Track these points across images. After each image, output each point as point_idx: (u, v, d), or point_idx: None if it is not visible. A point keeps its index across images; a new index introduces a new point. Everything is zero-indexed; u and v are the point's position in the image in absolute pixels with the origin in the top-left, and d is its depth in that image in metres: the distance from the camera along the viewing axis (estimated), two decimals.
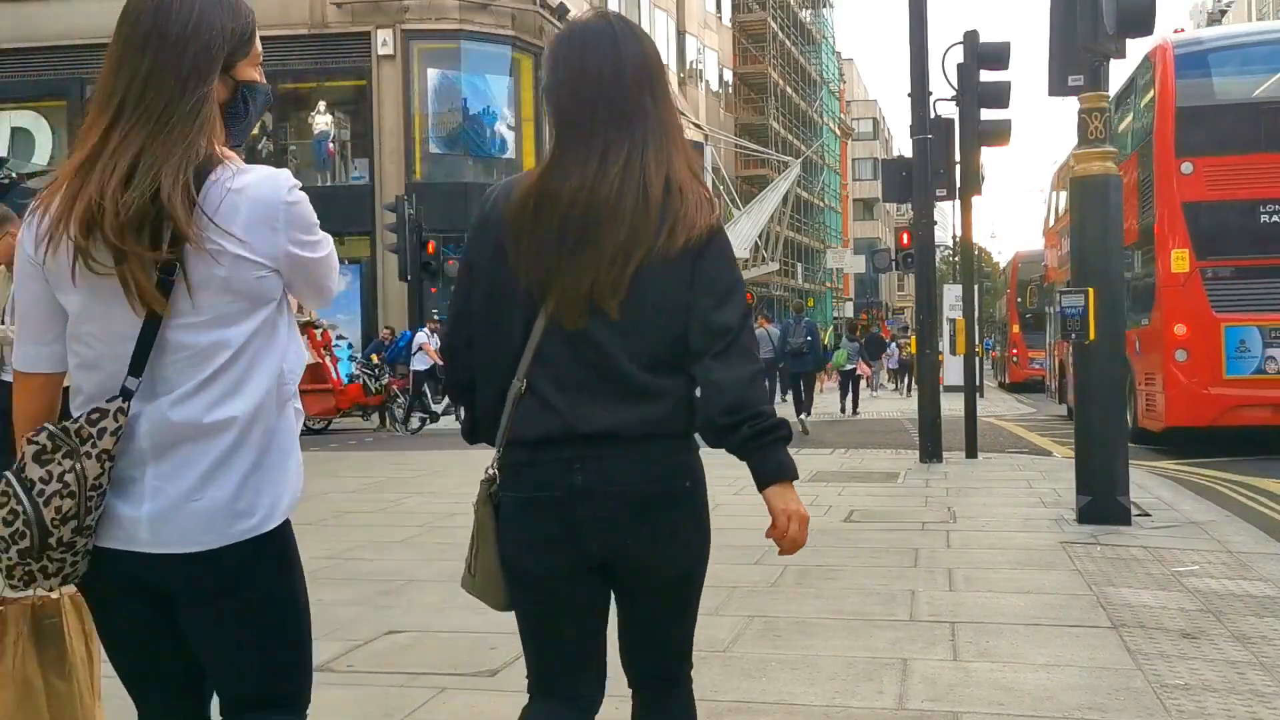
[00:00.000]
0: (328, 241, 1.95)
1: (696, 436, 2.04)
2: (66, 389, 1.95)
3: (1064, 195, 15.90)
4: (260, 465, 1.85)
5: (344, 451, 14.95)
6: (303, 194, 1.88)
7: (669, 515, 2.00)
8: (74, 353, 1.87)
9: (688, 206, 1.96)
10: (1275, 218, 10.64)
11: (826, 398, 23.21)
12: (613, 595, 2.10)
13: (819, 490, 8.93)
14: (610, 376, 1.95)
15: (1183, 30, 11.99)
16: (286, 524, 1.92)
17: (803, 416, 16.26)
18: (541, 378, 1.98)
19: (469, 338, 2.07)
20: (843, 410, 21.08)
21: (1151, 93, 11.37)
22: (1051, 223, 19.28)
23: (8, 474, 1.80)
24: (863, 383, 23.57)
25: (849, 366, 21.94)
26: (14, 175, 12.69)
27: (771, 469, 1.97)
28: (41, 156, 26.36)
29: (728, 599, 5.15)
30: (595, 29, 2.06)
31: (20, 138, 27.53)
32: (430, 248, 20.18)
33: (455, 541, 6.97)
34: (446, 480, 10.42)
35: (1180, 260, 10.83)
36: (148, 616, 1.88)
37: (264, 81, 1.99)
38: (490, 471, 2.06)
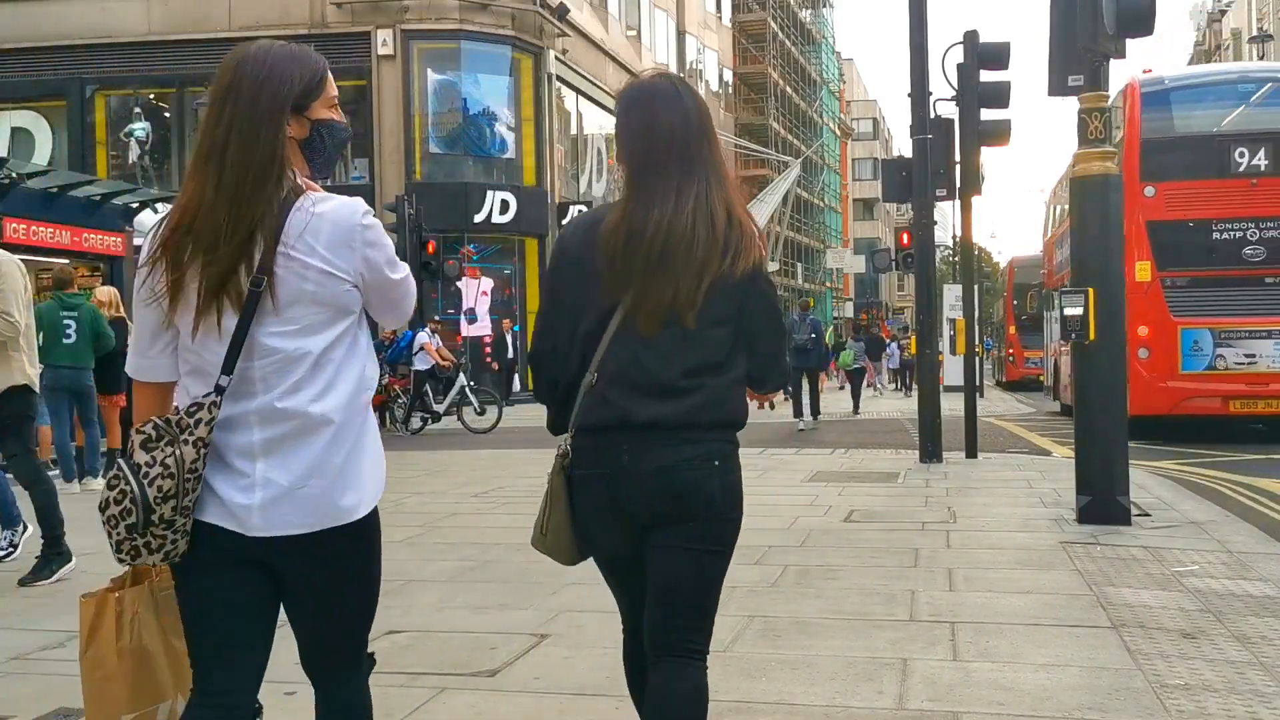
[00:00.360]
0: (405, 267, 2.28)
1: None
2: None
3: (1060, 208, 17.81)
4: (353, 460, 2.15)
5: None
6: (376, 220, 2.18)
7: (699, 489, 2.37)
8: (184, 361, 2.18)
9: (746, 239, 2.40)
10: (1226, 235, 12.37)
11: (830, 396, 23.56)
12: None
13: (819, 490, 8.92)
14: (660, 377, 2.36)
15: (1151, 70, 13.88)
16: (375, 512, 2.22)
17: (807, 418, 16.42)
18: (606, 376, 2.38)
19: (554, 345, 2.48)
20: (854, 409, 21.36)
21: (1120, 124, 12.92)
22: (1049, 234, 21.07)
23: (119, 460, 2.15)
24: (863, 382, 24.01)
25: (856, 366, 22.53)
26: (14, 175, 12.71)
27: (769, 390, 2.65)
28: (41, 156, 26.35)
29: (728, 599, 5.12)
30: (662, 87, 2.50)
31: (20, 138, 27.52)
32: (430, 248, 20.18)
33: (455, 541, 6.99)
34: (446, 480, 10.43)
35: (1143, 271, 12.41)
36: (242, 592, 2.19)
37: (341, 120, 2.27)
38: (564, 448, 2.46)
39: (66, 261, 14.18)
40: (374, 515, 2.22)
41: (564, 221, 27.97)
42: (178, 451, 2.07)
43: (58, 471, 10.42)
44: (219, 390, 2.11)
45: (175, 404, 2.17)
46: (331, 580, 2.22)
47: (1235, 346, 12.30)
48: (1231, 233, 12.36)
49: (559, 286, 2.50)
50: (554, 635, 4.54)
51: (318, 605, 2.26)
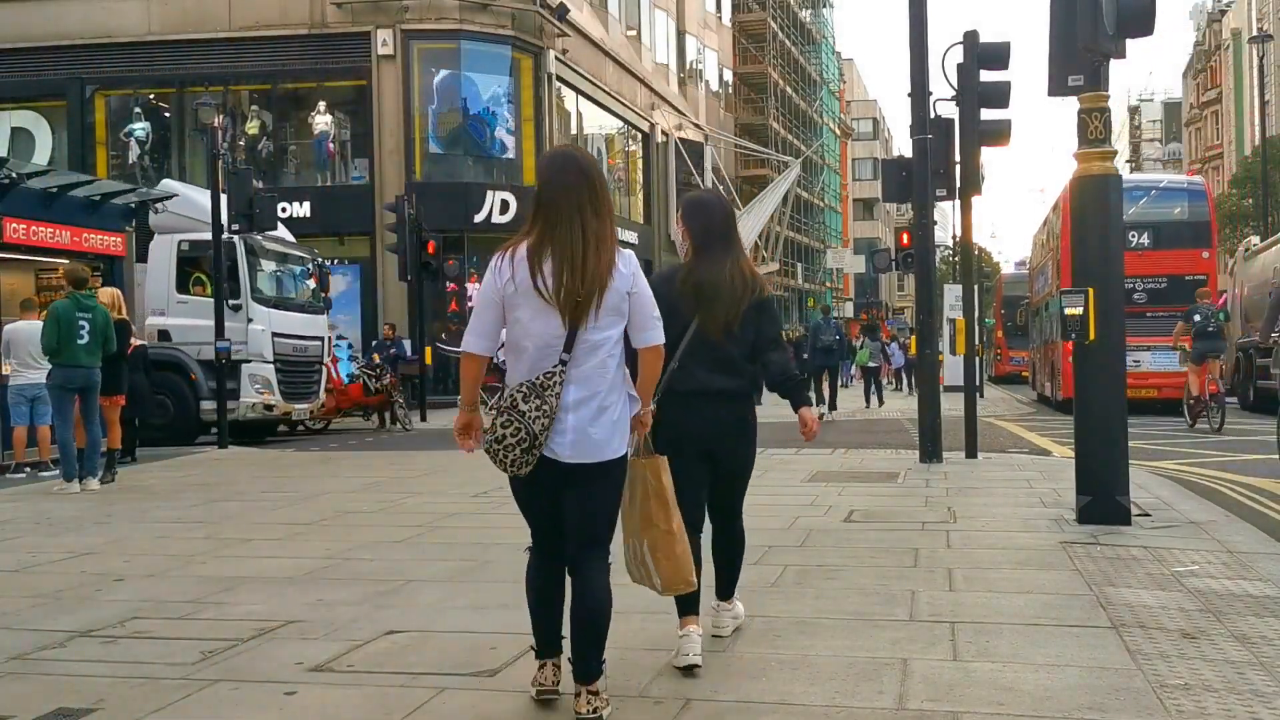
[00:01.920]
0: (650, 295, 3.53)
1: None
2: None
3: (1042, 239, 24.52)
4: (618, 416, 3.48)
5: (344, 451, 14.96)
6: (635, 260, 3.53)
7: (744, 428, 4.27)
8: (514, 343, 3.45)
9: (758, 284, 4.23)
10: (1131, 285, 17.29)
11: (842, 394, 24.60)
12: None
13: (819, 490, 8.92)
14: (723, 363, 4.15)
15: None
16: (625, 453, 3.52)
17: (823, 408, 17.61)
18: (689, 362, 4.11)
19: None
20: (867, 405, 22.93)
21: (1063, 210, 18.20)
22: (1033, 263, 27.95)
23: (507, 409, 3.37)
24: (878, 379, 25.48)
25: (872, 364, 24.35)
26: (14, 175, 12.68)
27: (801, 400, 4.35)
28: (41, 156, 26.34)
29: None
30: (712, 199, 4.48)
31: (20, 138, 27.51)
32: (430, 248, 20.16)
33: (455, 542, 6.99)
34: (447, 480, 10.43)
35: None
36: (550, 491, 3.47)
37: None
38: (652, 406, 3.75)
39: (66, 261, 14.20)
40: (625, 454, 3.53)
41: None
42: (544, 404, 3.35)
43: (58, 471, 10.43)
44: (562, 364, 3.37)
45: (514, 376, 3.45)
46: (601, 488, 3.49)
47: (1127, 355, 16.59)
48: (1128, 284, 18.21)
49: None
50: None
51: (585, 506, 3.47)
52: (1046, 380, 22.51)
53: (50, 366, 10.09)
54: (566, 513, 3.46)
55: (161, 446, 14.35)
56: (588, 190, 3.42)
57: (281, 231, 17.85)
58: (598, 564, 3.46)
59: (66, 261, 14.16)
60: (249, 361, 16.05)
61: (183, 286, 16.33)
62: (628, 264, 3.43)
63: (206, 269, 15.97)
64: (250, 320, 16.11)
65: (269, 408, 16.38)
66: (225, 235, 15.29)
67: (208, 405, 15.85)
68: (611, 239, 3.41)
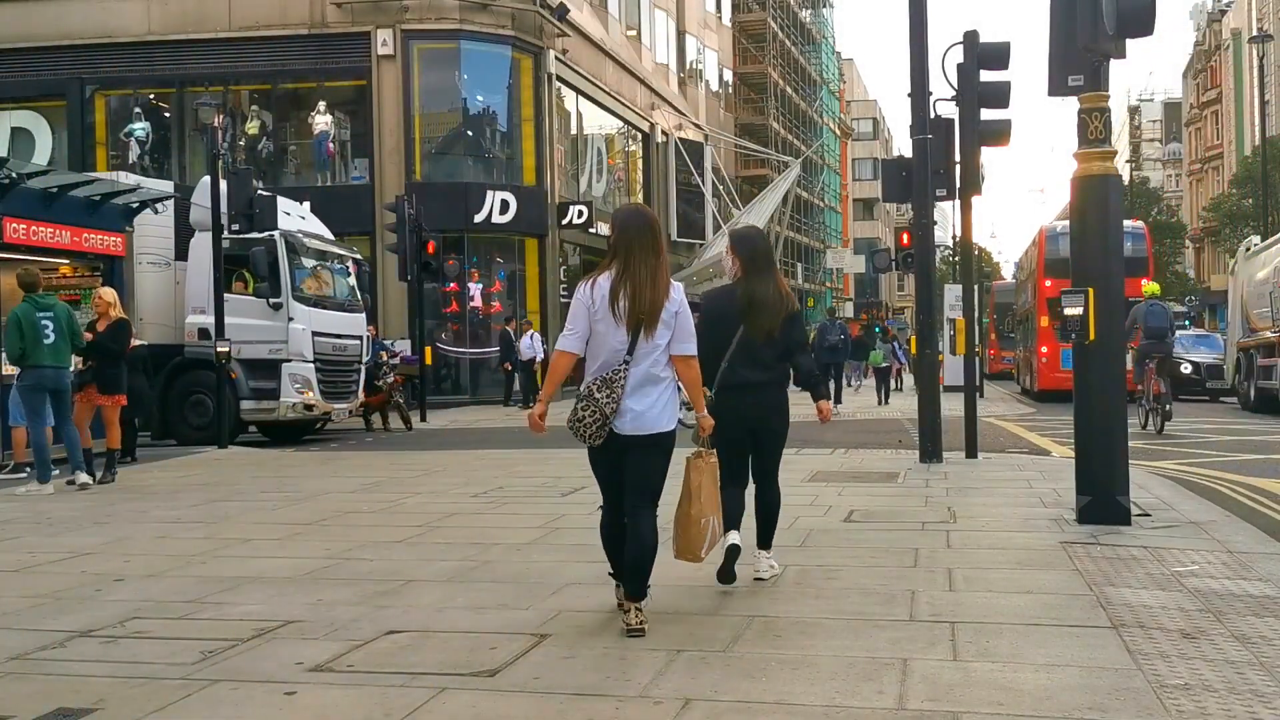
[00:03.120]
0: (689, 316, 4.72)
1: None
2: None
3: (1022, 264, 32.21)
4: (665, 401, 4.61)
5: (344, 451, 14.96)
6: (682, 290, 4.71)
7: (779, 411, 5.49)
8: (592, 348, 4.61)
9: (790, 301, 5.44)
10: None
11: (853, 395, 26.28)
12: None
13: (819, 490, 8.92)
14: (760, 363, 5.35)
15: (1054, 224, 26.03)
16: (672, 429, 4.63)
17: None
18: (735, 363, 5.31)
19: (704, 354, 4.91)
20: (879, 402, 24.45)
21: (1036, 248, 25.86)
22: (1020, 278, 33.17)
23: (586, 397, 4.52)
24: (890, 377, 27.14)
25: (884, 364, 26.16)
26: (14, 175, 12.68)
27: (820, 394, 5.70)
28: (41, 156, 26.32)
29: (728, 599, 5.15)
30: (756, 232, 6.31)
31: (20, 138, 27.50)
32: (430, 248, 20.14)
33: (455, 541, 6.99)
34: (446, 480, 10.43)
35: (1044, 320, 22.64)
36: (615, 457, 4.62)
37: None
38: (710, 394, 5.06)
39: (66, 261, 14.19)
40: (672, 431, 4.65)
41: (564, 221, 28.40)
42: (613, 392, 4.51)
43: (30, 474, 10.39)
44: (625, 363, 4.54)
45: (590, 371, 4.61)
46: (654, 455, 4.63)
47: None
48: None
49: (707, 329, 5.34)
50: (554, 635, 4.54)
51: (640, 468, 4.62)
52: (1027, 375, 27.97)
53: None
54: (626, 474, 4.64)
55: (201, 446, 14.39)
56: (652, 238, 4.66)
57: (321, 229, 17.82)
58: (647, 514, 4.62)
59: (66, 261, 14.21)
60: (289, 361, 15.94)
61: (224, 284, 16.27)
62: (677, 292, 4.67)
63: (247, 267, 15.92)
64: (291, 319, 15.99)
65: (309, 407, 16.29)
66: (269, 232, 15.35)
67: (248, 405, 15.85)
68: (666, 274, 4.65)
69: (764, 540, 5.61)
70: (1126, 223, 34.92)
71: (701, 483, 4.82)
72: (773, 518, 5.61)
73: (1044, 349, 23.98)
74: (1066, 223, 31.71)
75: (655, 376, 4.58)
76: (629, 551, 4.60)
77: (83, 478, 10.10)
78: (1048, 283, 22.97)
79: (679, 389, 4.71)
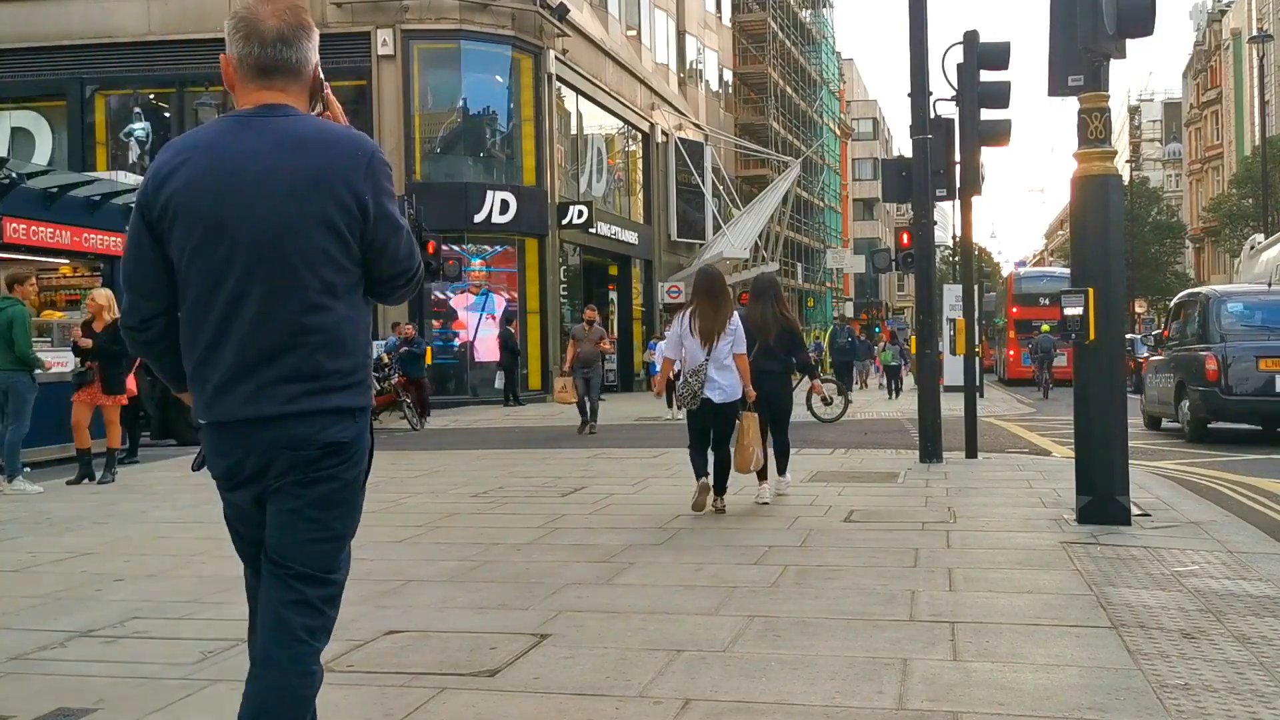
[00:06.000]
0: (742, 331, 8.09)
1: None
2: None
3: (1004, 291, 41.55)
4: (731, 385, 7.82)
5: None
6: (738, 316, 8.08)
7: (785, 390, 8.91)
8: (687, 356, 7.87)
9: (788, 320, 8.73)
10: (1037, 325, 30.26)
11: (859, 392, 26.42)
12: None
13: (819, 490, 8.93)
14: (773, 358, 8.53)
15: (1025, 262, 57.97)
16: (735, 400, 7.92)
17: (850, 397, 21.03)
18: (758, 359, 8.25)
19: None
20: (889, 396, 27.18)
21: (1006, 285, 41.32)
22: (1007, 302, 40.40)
23: (688, 378, 7.80)
24: (901, 376, 29.37)
25: (894, 364, 28.56)
26: (14, 175, 12.67)
27: (814, 374, 10.54)
28: (41, 156, 26.31)
29: (728, 599, 5.15)
30: (766, 279, 9.33)
31: (20, 138, 27.49)
32: (430, 248, 20.14)
33: (455, 541, 6.99)
34: (446, 480, 10.43)
35: (1011, 332, 35.88)
36: (705, 419, 7.92)
37: None
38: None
39: (66, 261, 14.18)
40: (736, 402, 7.86)
41: (564, 221, 28.31)
42: (701, 379, 7.71)
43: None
44: (704, 364, 7.71)
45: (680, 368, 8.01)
46: (725, 417, 7.86)
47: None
48: (1038, 325, 30.15)
49: (746, 336, 8.04)
50: (554, 635, 4.54)
51: (719, 423, 7.89)
52: (1003, 367, 37.67)
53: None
54: (712, 429, 7.86)
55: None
56: (720, 286, 8.01)
57: None
58: (723, 449, 7.89)
59: (66, 261, 14.20)
60: None
61: None
62: (734, 320, 7.79)
63: None
64: None
65: None
66: None
67: None
68: (728, 309, 7.82)
69: (781, 468, 8.76)
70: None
71: (749, 428, 7.86)
72: (785, 454, 8.78)
73: (1011, 352, 35.94)
74: (1034, 269, 48.58)
75: (727, 366, 7.72)
76: (717, 462, 7.84)
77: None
78: (1015, 309, 35.85)
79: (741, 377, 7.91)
